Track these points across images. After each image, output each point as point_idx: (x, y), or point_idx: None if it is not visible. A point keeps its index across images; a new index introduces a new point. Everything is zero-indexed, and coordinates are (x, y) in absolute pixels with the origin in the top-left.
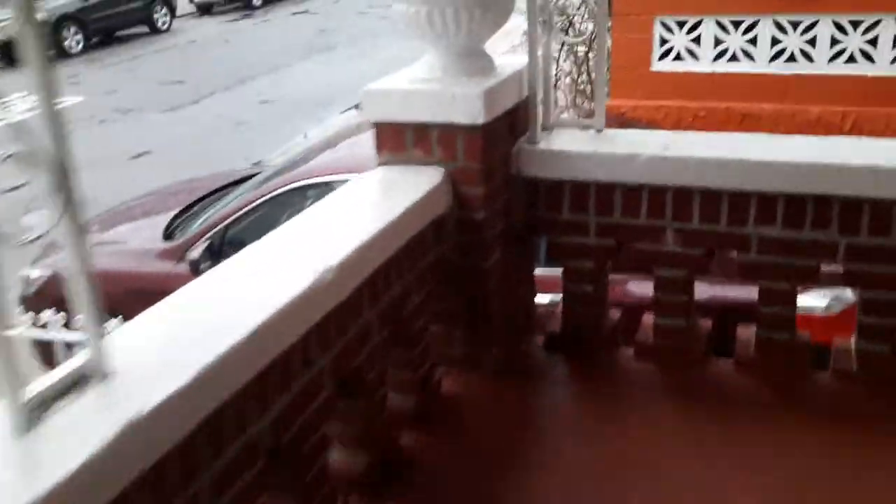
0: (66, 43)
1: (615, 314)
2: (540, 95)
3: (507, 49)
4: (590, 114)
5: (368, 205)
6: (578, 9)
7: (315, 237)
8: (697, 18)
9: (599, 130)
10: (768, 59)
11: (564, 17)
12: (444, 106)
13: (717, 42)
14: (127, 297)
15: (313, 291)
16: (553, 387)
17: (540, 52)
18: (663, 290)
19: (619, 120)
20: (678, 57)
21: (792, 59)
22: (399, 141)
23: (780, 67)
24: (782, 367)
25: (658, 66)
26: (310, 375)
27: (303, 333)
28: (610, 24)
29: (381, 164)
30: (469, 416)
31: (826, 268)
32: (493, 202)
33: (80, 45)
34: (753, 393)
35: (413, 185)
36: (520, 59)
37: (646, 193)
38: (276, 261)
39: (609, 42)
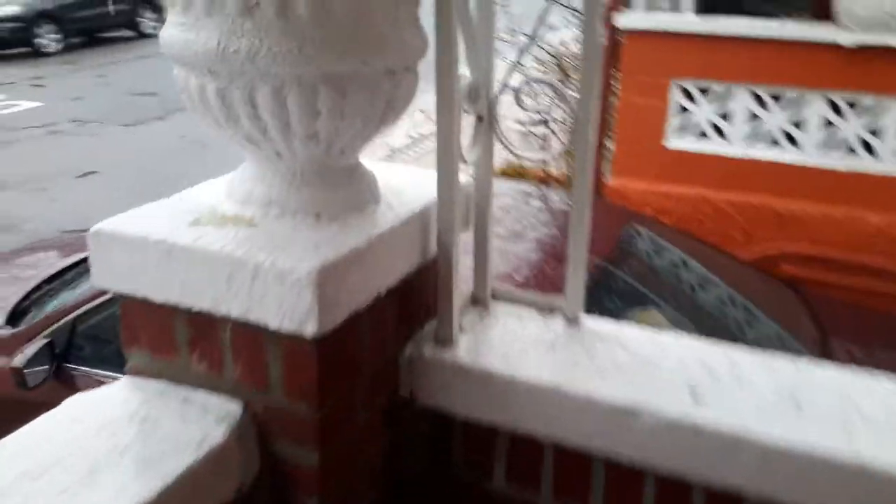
0: (40, 41)
1: None
2: (459, 255)
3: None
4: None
5: (67, 483)
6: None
7: None
8: (728, 87)
9: (572, 319)
10: (818, 147)
11: (554, 61)
12: (241, 288)
13: (753, 119)
14: None
15: None
16: None
17: (468, 174)
18: None
19: (620, 211)
20: (701, 134)
21: (850, 150)
22: (164, 335)
23: (832, 159)
24: None
25: (674, 142)
26: None
27: None
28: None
29: (131, 370)
30: None
31: None
32: (346, 471)
33: (59, 45)
34: None
35: (175, 435)
36: (426, 182)
37: (653, 482)
38: None
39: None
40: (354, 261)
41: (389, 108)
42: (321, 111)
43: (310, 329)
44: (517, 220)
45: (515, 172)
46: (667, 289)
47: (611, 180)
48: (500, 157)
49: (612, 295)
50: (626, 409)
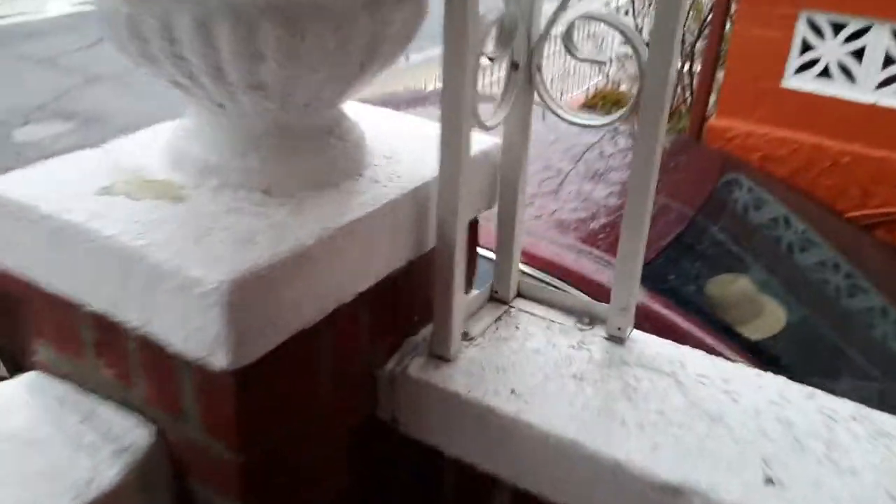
0: None
1: None
2: (464, 246)
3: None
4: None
5: None
6: None
7: None
8: (866, 23)
9: (616, 338)
10: None
11: None
12: (137, 293)
13: (889, 61)
14: None
15: None
16: None
17: (490, 142)
18: None
19: (721, 156)
20: (825, 73)
21: None
22: (68, 331)
23: None
24: None
25: (793, 81)
26: None
27: None
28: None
29: (37, 364)
30: None
31: None
32: None
33: None
34: None
35: (59, 470)
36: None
37: None
38: None
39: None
40: (299, 263)
41: (373, 52)
42: (265, 54)
43: (220, 360)
44: (599, 158)
45: (614, 100)
46: (761, 248)
47: (715, 119)
48: (591, 83)
49: (695, 258)
50: (670, 486)
